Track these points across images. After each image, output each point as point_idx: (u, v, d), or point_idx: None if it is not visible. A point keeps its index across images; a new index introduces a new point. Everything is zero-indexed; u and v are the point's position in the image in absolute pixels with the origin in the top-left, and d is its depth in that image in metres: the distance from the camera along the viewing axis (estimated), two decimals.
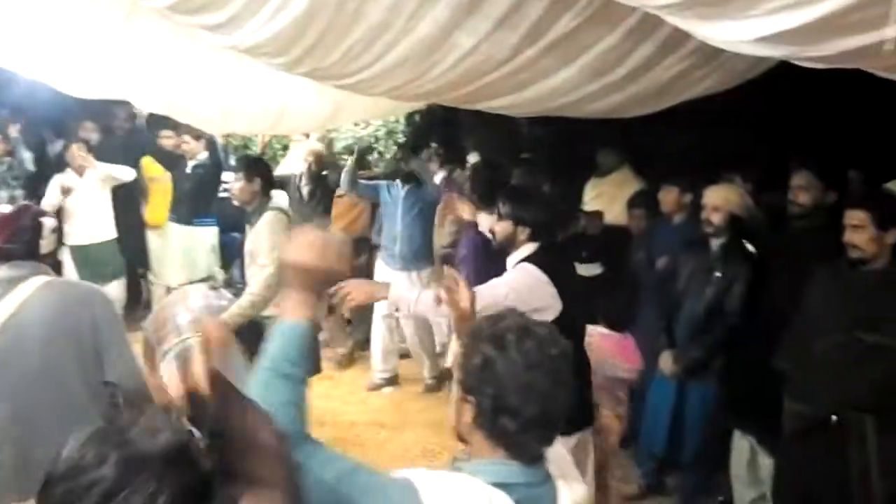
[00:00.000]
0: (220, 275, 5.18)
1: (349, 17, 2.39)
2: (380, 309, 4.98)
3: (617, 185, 5.00)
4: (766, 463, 3.22)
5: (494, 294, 2.45)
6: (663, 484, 3.85)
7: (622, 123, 3.54)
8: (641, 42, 2.53)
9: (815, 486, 2.71)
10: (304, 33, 2.50)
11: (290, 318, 1.26)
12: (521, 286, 2.55)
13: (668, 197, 3.96)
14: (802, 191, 3.16)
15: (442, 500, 1.13)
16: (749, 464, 3.35)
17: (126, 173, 5.64)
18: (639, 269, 3.99)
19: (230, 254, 5.29)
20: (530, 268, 2.60)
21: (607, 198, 4.95)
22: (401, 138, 6.19)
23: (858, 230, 2.63)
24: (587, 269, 4.15)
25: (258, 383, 1.20)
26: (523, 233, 2.69)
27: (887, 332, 2.55)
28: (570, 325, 2.39)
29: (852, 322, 2.62)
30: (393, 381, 5.27)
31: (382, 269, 5.11)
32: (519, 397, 1.23)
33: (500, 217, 2.75)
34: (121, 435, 0.90)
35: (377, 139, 6.24)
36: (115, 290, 5.40)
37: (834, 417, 2.64)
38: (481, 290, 2.38)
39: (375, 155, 6.27)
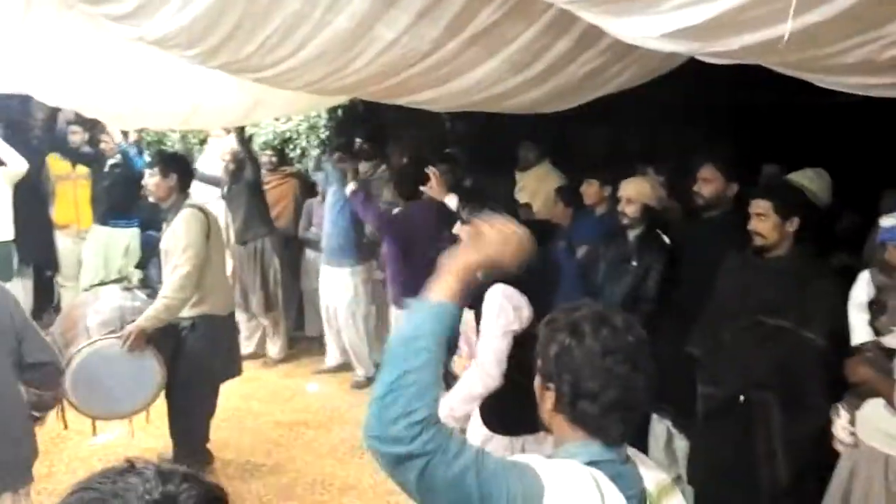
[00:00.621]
0: (135, 275, 4.97)
1: (264, 7, 2.34)
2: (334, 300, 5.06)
3: (538, 180, 5.14)
4: (681, 445, 3.36)
5: None
6: None
7: (543, 119, 3.61)
8: (559, 37, 2.58)
9: (725, 464, 2.84)
10: (217, 24, 2.43)
11: (446, 300, 1.25)
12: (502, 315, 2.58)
13: (590, 190, 4.12)
14: (705, 183, 3.31)
15: (559, 481, 1.18)
16: (666, 446, 3.48)
17: (16, 162, 5.23)
18: (561, 260, 4.09)
19: (150, 253, 5.11)
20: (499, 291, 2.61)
21: (529, 191, 5.07)
22: (323, 133, 6.10)
23: (762, 219, 2.77)
24: None
25: (419, 363, 1.18)
26: None
27: (788, 315, 2.69)
28: None
29: (756, 307, 2.76)
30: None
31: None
32: (597, 382, 1.27)
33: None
34: None
35: (298, 134, 6.13)
36: (15, 292, 5.08)
37: (741, 398, 2.78)
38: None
39: (298, 151, 6.15)
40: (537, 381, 1.37)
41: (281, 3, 2.34)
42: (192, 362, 3.57)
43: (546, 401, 1.34)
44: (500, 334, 2.54)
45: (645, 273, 3.42)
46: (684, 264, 3.39)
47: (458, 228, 2.59)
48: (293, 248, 5.74)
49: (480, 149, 5.73)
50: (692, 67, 2.06)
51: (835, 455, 2.61)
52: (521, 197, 4.93)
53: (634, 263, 3.45)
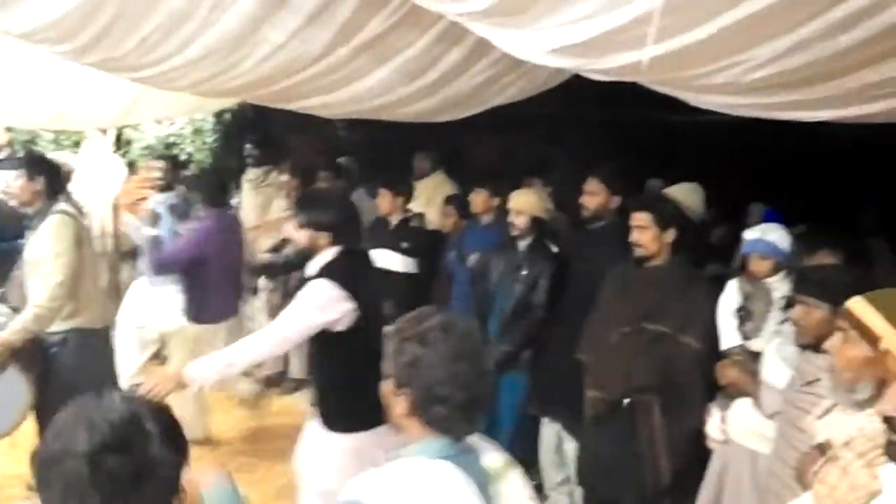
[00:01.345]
0: None
1: (143, 3, 2.22)
2: None
3: (432, 189, 5.17)
4: (570, 448, 3.46)
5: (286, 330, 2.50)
6: None
7: (438, 128, 3.63)
8: (451, 47, 2.61)
9: (611, 464, 2.95)
10: (92, 19, 2.29)
11: None
12: (310, 306, 2.50)
13: (478, 199, 4.15)
14: (590, 196, 3.44)
15: (395, 494, 1.27)
16: (556, 449, 3.58)
17: None
18: (451, 268, 4.14)
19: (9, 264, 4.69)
20: (322, 285, 2.50)
21: (423, 200, 5.08)
22: (210, 137, 5.87)
23: (642, 230, 2.91)
24: (405, 265, 4.20)
25: None
26: (323, 238, 2.63)
27: (667, 321, 2.84)
28: (370, 326, 2.45)
29: (638, 314, 2.89)
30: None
31: None
32: (448, 387, 1.37)
33: (300, 225, 2.67)
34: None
35: (183, 138, 5.87)
36: None
37: (625, 401, 2.89)
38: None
39: (184, 156, 5.89)
40: (388, 387, 1.44)
41: (160, 1, 2.23)
42: (63, 381, 3.31)
43: (398, 406, 1.42)
44: (308, 315, 2.50)
45: (534, 282, 3.51)
46: (572, 274, 3.51)
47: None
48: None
49: (376, 157, 5.70)
50: (581, 82, 2.13)
51: (710, 452, 2.77)
52: (416, 206, 4.94)
53: (524, 272, 3.53)
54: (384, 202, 4.36)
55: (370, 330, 2.42)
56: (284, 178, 5.17)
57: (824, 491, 1.29)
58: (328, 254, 2.61)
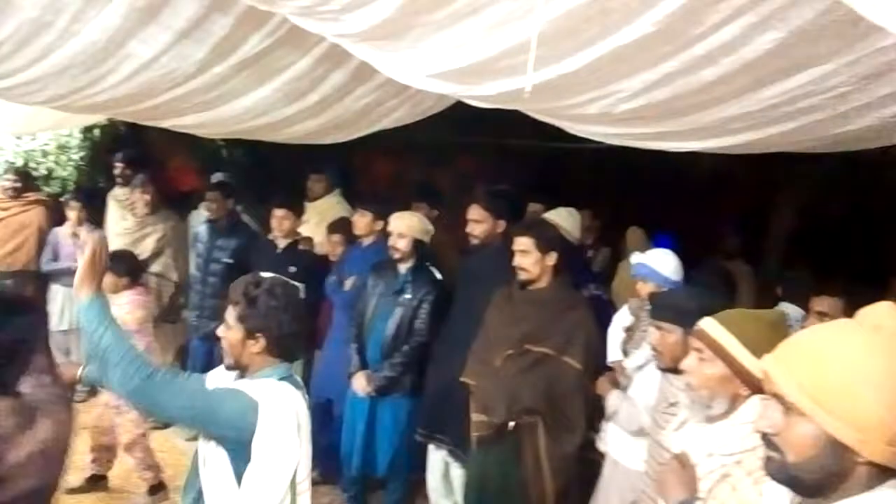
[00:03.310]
0: None
1: None
2: None
3: (324, 212, 5.00)
4: (457, 474, 3.44)
5: None
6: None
7: (327, 148, 3.56)
8: (333, 70, 2.57)
9: (498, 486, 2.94)
10: None
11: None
12: None
13: (362, 221, 4.04)
14: (474, 223, 3.47)
15: (266, 395, 1.87)
16: (443, 476, 3.54)
17: None
18: (331, 293, 4.04)
19: None
20: None
21: (312, 223, 4.93)
22: (76, 154, 5.47)
23: (524, 254, 2.96)
24: None
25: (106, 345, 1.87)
26: None
27: (550, 342, 2.89)
28: None
29: (522, 336, 2.93)
30: None
31: None
32: (289, 326, 1.93)
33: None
34: None
35: (46, 155, 5.43)
36: None
37: (511, 424, 2.91)
38: None
39: (44, 171, 5.44)
40: (239, 335, 1.92)
41: (14, 8, 2.06)
42: None
43: (251, 347, 1.92)
44: None
45: (417, 306, 3.48)
46: (457, 298, 3.52)
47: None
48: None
49: (256, 177, 5.52)
50: (469, 108, 2.14)
51: (596, 467, 2.83)
52: (307, 229, 4.79)
53: (407, 296, 3.50)
54: (276, 223, 4.22)
55: None
56: (137, 193, 4.91)
57: None
58: None
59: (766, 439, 1.18)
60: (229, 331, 1.95)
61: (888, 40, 1.29)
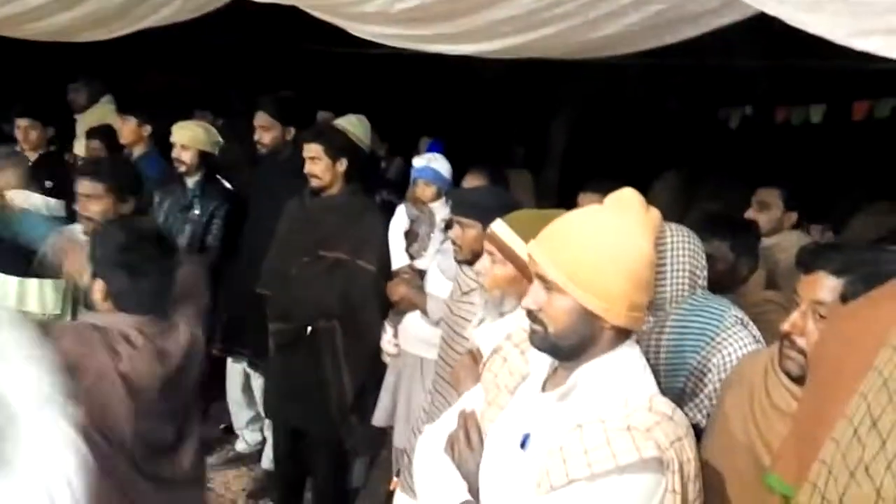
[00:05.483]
0: None
1: None
2: None
3: (90, 123, 4.52)
4: (258, 384, 3.45)
5: None
6: None
7: (95, 54, 3.19)
8: None
9: (298, 391, 3.01)
10: None
11: None
12: None
13: (126, 128, 3.72)
14: (262, 130, 3.36)
15: None
16: (244, 388, 3.54)
17: None
18: None
19: None
20: None
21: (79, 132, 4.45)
22: None
23: (315, 161, 2.93)
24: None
25: None
26: None
27: (344, 247, 2.94)
28: None
29: (315, 243, 2.94)
30: None
31: None
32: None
33: None
34: None
35: None
36: None
37: (309, 328, 2.95)
38: None
39: None
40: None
41: None
42: None
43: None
44: None
45: (208, 221, 3.35)
46: (250, 208, 3.42)
47: None
48: None
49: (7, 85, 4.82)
50: (254, 10, 2.01)
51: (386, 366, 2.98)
52: (78, 148, 4.29)
53: (196, 212, 3.34)
54: (21, 135, 3.73)
55: None
56: None
57: (490, 377, 1.48)
58: None
59: (531, 315, 1.33)
60: None
61: None
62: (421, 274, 2.88)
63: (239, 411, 3.61)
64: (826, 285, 1.39)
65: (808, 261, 1.45)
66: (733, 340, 1.85)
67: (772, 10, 1.36)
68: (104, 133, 3.88)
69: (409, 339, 2.82)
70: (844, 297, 1.35)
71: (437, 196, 3.02)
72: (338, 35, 2.42)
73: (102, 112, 4.64)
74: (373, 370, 2.99)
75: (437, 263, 2.74)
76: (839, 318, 1.30)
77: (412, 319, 2.80)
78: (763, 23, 1.43)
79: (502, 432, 1.37)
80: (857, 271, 1.36)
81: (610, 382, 1.27)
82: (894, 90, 4.40)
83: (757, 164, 4.05)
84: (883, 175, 4.15)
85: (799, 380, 1.40)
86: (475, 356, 1.83)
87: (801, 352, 1.40)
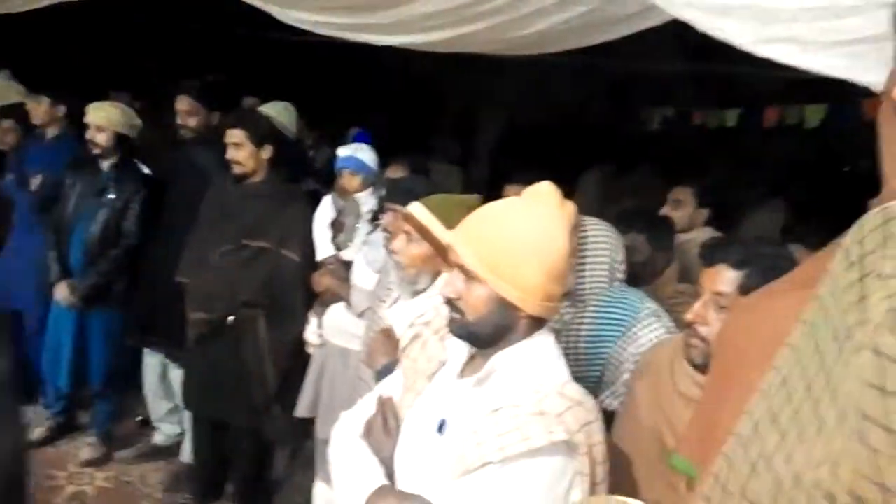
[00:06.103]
0: None
1: None
2: None
3: None
4: (176, 375, 3.36)
5: None
6: (75, 420, 3.65)
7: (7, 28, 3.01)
8: None
9: (218, 381, 2.94)
10: None
11: None
12: None
13: (39, 109, 3.54)
14: (185, 114, 3.27)
15: None
16: (161, 379, 3.44)
17: None
18: (10, 192, 3.54)
19: None
20: None
21: None
22: None
23: (238, 147, 2.87)
24: None
25: None
26: None
27: (268, 237, 2.89)
28: None
29: (239, 231, 2.88)
30: None
31: None
32: None
33: None
34: None
35: None
36: None
37: (230, 318, 2.89)
38: None
39: None
40: None
41: None
42: None
43: None
44: None
45: (124, 206, 3.23)
46: (170, 194, 3.32)
47: None
48: None
49: None
50: None
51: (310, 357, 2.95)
52: None
53: (111, 196, 3.22)
54: None
55: None
56: None
57: (409, 363, 1.49)
58: None
59: (450, 303, 1.35)
60: None
61: None
62: (346, 265, 2.86)
63: (156, 403, 3.50)
64: (726, 277, 1.47)
65: (710, 254, 1.53)
66: (648, 331, 1.93)
67: (684, 15, 1.42)
68: (16, 112, 3.67)
69: (333, 330, 2.80)
70: (744, 289, 1.43)
71: (364, 186, 3.01)
72: (272, 21, 2.37)
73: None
74: (296, 361, 2.96)
75: (364, 255, 2.73)
76: (739, 309, 1.37)
77: (336, 310, 2.78)
78: (684, 28, 1.49)
79: (420, 417, 1.39)
80: (756, 265, 1.45)
81: (525, 369, 1.31)
82: (804, 98, 4.67)
83: (675, 164, 4.22)
84: (788, 176, 4.40)
85: (702, 367, 1.47)
86: (389, 333, 1.85)
87: (704, 340, 1.47)
